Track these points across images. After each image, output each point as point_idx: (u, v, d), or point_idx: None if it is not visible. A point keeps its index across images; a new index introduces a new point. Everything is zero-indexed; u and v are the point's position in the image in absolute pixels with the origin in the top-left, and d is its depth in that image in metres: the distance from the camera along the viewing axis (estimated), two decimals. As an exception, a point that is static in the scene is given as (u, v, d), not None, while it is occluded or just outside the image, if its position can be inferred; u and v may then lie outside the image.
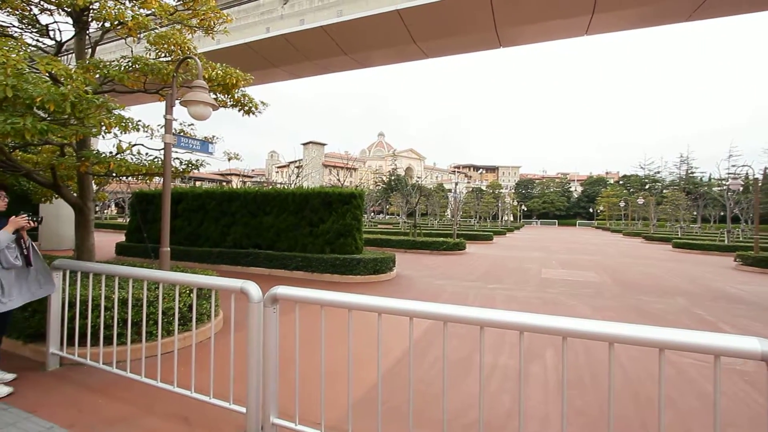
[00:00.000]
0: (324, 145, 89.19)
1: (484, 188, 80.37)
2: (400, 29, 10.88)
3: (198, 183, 48.95)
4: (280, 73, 14.71)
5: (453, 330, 5.02)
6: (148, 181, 6.43)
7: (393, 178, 57.59)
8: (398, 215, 39.25)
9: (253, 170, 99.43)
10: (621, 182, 77.52)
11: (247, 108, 6.32)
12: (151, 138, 6.22)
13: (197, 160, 6.04)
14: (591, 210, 78.37)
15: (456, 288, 8.60)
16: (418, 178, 29.48)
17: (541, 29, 10.65)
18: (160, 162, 5.69)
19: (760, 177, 48.18)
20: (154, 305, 3.98)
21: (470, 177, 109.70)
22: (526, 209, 73.80)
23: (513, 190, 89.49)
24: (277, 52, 13.01)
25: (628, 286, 9.47)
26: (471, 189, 72.74)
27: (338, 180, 22.65)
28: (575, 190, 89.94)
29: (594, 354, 4.40)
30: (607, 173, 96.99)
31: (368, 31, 11.24)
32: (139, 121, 5.23)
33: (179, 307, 4.25)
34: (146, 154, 5.62)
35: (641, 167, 72.69)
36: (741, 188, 24.71)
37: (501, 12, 9.75)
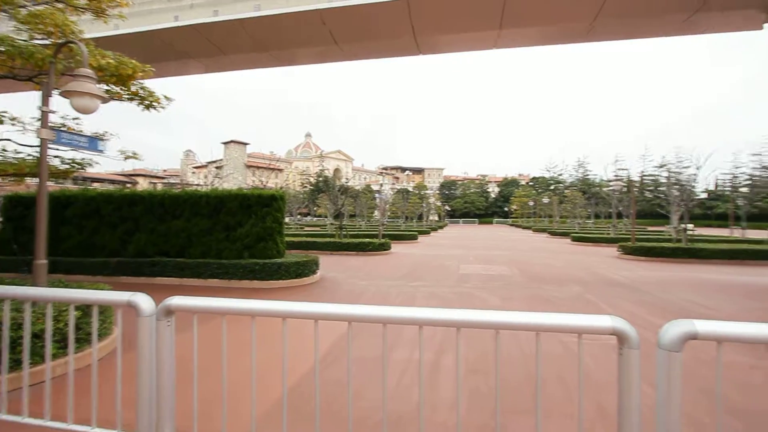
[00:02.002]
0: (247, 144, 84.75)
1: (410, 189, 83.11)
2: (322, 30, 10.79)
3: (95, 185, 43.26)
4: (193, 66, 13.65)
5: (371, 329, 5.11)
6: (20, 182, 5.51)
7: (320, 179, 56.81)
8: (326, 217, 38.86)
9: (164, 171, 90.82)
10: (531, 183, 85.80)
11: (147, 102, 5.74)
12: (24, 132, 5.33)
13: (83, 159, 5.32)
14: (506, 209, 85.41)
15: (379, 287, 8.75)
16: (346, 179, 29.49)
17: (456, 40, 11.34)
18: (35, 160, 4.90)
19: (637, 179, 56.93)
20: (26, 328, 3.40)
21: (397, 178, 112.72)
22: (449, 209, 77.98)
23: (437, 191, 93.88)
24: (189, 44, 12.05)
25: (533, 277, 10.49)
26: (398, 190, 74.71)
27: (261, 181, 21.69)
28: (493, 191, 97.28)
29: (498, 340, 4.79)
30: (519, 175, 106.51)
31: (289, 28, 10.95)
32: (5, 112, 4.45)
33: (59, 328, 3.70)
34: (14, 150, 4.80)
35: (547, 170, 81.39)
36: (624, 188, 28.93)
37: (418, 21, 10.17)
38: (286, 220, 27.74)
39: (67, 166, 5.19)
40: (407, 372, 4.05)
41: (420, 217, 51.43)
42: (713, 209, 52.19)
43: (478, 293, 8.18)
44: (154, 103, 5.75)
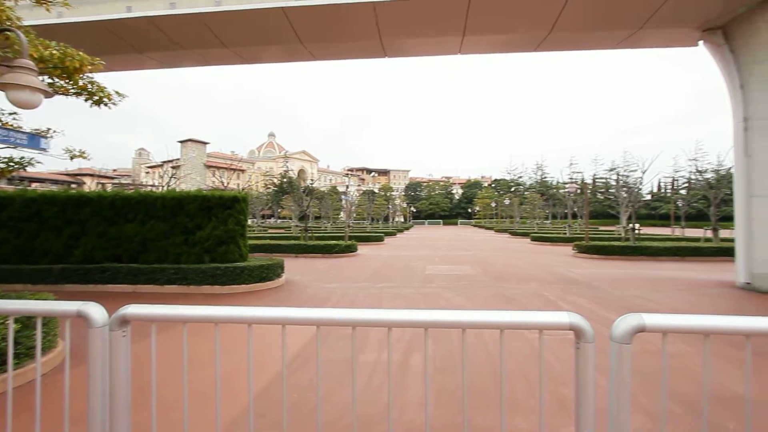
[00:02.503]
0: (206, 144, 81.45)
1: (376, 191, 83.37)
2: (287, 28, 10.59)
3: (35, 185, 39.91)
4: (148, 61, 12.93)
5: (338, 332, 5.08)
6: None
7: (284, 180, 55.68)
8: (290, 219, 38.11)
9: (114, 170, 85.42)
10: (493, 185, 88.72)
11: (96, 98, 5.38)
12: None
13: (23, 158, 4.90)
14: (470, 210, 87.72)
15: (346, 290, 8.70)
16: (311, 180, 29.08)
17: (421, 44, 11.53)
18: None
19: (590, 182, 60.49)
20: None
21: (363, 180, 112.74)
22: (415, 210, 78.99)
23: (403, 193, 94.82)
24: (143, 37, 11.40)
25: (495, 276, 10.85)
26: (364, 191, 74.70)
27: (221, 182, 20.94)
28: (457, 193, 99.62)
29: (464, 339, 4.91)
30: (482, 177, 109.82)
31: (252, 25, 10.65)
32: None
33: (-6, 342, 3.38)
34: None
35: (508, 173, 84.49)
36: (578, 190, 30.60)
37: (384, 24, 10.24)
38: (249, 222, 26.96)
39: (3, 165, 4.75)
40: (376, 373, 4.06)
41: (386, 219, 51.75)
42: (657, 210, 56.39)
43: (444, 293, 8.35)
44: (104, 99, 5.40)
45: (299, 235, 19.22)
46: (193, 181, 57.40)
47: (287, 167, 71.13)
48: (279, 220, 58.24)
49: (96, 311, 2.32)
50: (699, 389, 3.63)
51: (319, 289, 8.90)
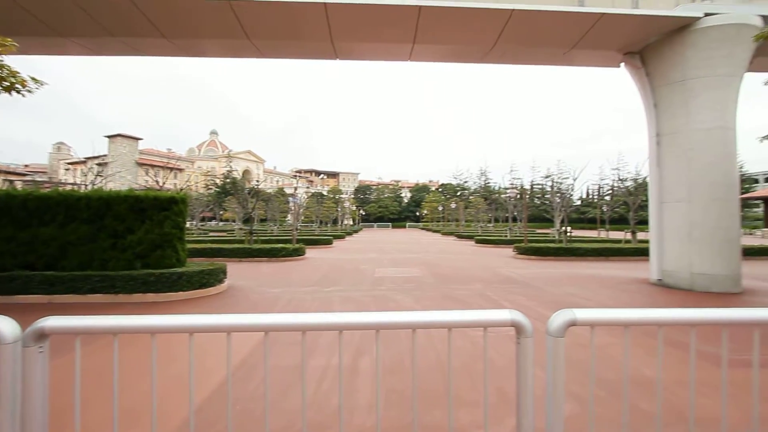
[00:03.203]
0: (139, 139, 75.27)
1: (325, 193, 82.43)
2: (232, 22, 10.14)
3: (-75, 181, 34.33)
4: (71, 46, 11.66)
5: (286, 337, 4.94)
6: None
7: (228, 181, 53.10)
8: (233, 222, 36.37)
9: (26, 166, 76.01)
10: (440, 190, 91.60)
11: (6, 84, 4.76)
12: None
13: None
14: (418, 213, 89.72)
15: (293, 294, 8.49)
16: (257, 181, 27.95)
17: (373, 48, 11.62)
18: None
19: (528, 188, 64.84)
20: None
21: (312, 182, 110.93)
22: (364, 213, 79.19)
23: (352, 196, 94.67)
24: (62, 18, 10.28)
25: (442, 277, 11.20)
26: (312, 194, 73.55)
27: (156, 182, 19.49)
28: (405, 196, 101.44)
29: (414, 339, 5.01)
30: (430, 181, 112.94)
31: (193, 15, 10.05)
32: None
33: None
34: None
35: (455, 177, 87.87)
36: (518, 195, 32.57)
37: (336, 26, 10.19)
38: (188, 225, 25.40)
39: None
40: (326, 378, 4.00)
41: (335, 222, 51.33)
42: (586, 214, 61.67)
43: (393, 295, 8.45)
44: (17, 85, 4.79)
45: (243, 238, 18.41)
46: (123, 180, 52.72)
47: (231, 167, 67.89)
48: (221, 223, 55.30)
49: (5, 325, 2.05)
50: (620, 375, 4.03)
51: (265, 294, 8.59)
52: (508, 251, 20.18)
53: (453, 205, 52.11)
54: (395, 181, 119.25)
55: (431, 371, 4.11)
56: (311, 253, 18.80)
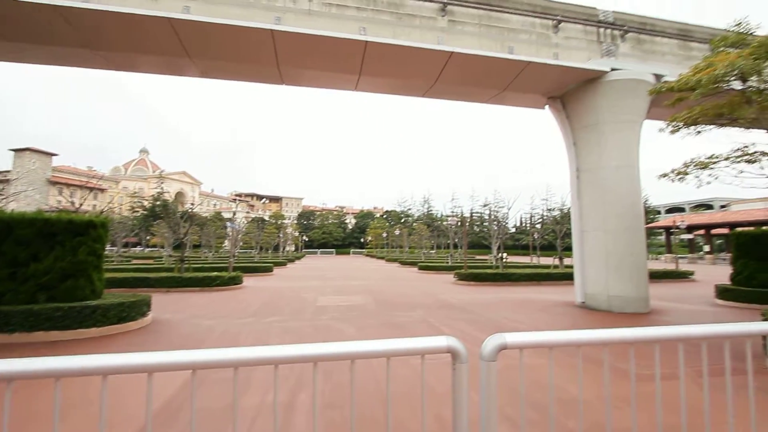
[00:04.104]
0: (53, 155, 67.61)
1: (266, 218, 79.68)
2: (173, 40, 9.76)
3: None
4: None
5: (216, 375, 4.56)
6: None
7: (158, 203, 49.32)
8: (162, 248, 33.57)
9: None
10: (385, 216, 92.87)
11: None
12: None
13: None
14: (362, 240, 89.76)
15: (228, 327, 7.93)
16: (192, 204, 26.26)
17: (319, 76, 11.78)
18: None
19: (468, 216, 68.16)
20: None
21: (253, 206, 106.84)
22: (307, 239, 77.43)
23: (295, 221, 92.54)
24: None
25: (385, 305, 11.19)
26: (252, 219, 70.66)
27: (71, 203, 17.48)
28: (350, 223, 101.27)
29: (353, 370, 4.88)
30: (375, 208, 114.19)
31: (126, 29, 9.52)
32: None
33: None
34: None
35: (399, 205, 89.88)
36: (458, 223, 34.03)
37: (283, 52, 10.23)
38: (106, 251, 23.16)
39: None
40: (259, 417, 3.74)
41: (276, 248, 49.52)
42: (520, 241, 65.91)
43: (336, 324, 8.25)
44: None
45: (173, 266, 17.01)
46: (30, 200, 46.65)
47: (162, 188, 63.17)
48: (147, 249, 50.68)
49: None
50: (551, 395, 4.25)
51: (195, 327, 7.92)
52: (450, 277, 20.79)
53: (397, 232, 52.97)
54: (340, 207, 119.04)
55: (372, 401, 4.02)
56: (250, 281, 17.85)
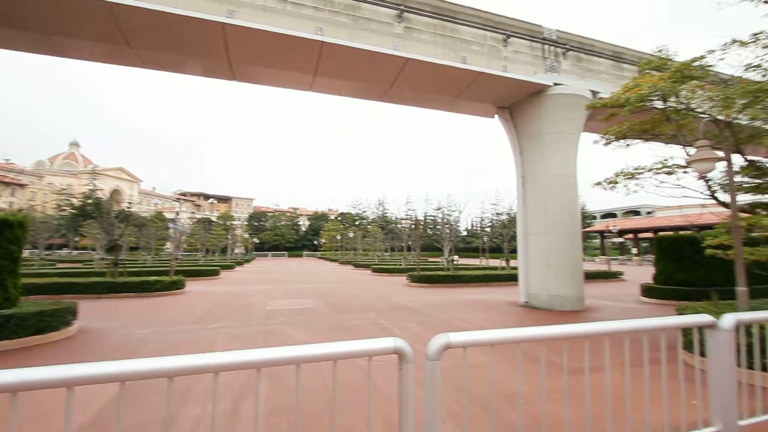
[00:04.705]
0: (-37, 146, 59.58)
1: (214, 219, 75.92)
2: (110, 24, 8.99)
3: None
4: None
5: (154, 386, 4.25)
6: None
7: (90, 201, 45.23)
8: (94, 250, 30.75)
9: None
10: (339, 218, 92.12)
11: None
12: None
13: None
14: (316, 242, 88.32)
15: (167, 335, 7.42)
16: (129, 203, 24.24)
17: (273, 75, 11.44)
18: None
19: (422, 218, 69.57)
20: None
21: (199, 206, 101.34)
22: (258, 241, 74.77)
23: (246, 222, 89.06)
24: None
25: (337, 308, 11.08)
26: (198, 219, 67.03)
27: (-16, 199, 15.50)
28: (303, 224, 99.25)
29: (299, 375, 4.77)
30: (329, 210, 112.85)
31: (58, 10, 8.64)
32: None
33: None
34: None
35: (353, 207, 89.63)
36: (412, 226, 34.60)
37: (234, 47, 9.81)
38: (26, 253, 20.98)
39: None
40: (199, 429, 3.53)
41: (224, 250, 47.32)
42: (471, 243, 68.36)
43: (286, 329, 8.02)
44: None
45: (106, 270, 15.62)
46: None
47: (95, 185, 57.91)
48: (75, 252, 46.18)
49: None
50: (494, 391, 4.43)
51: (128, 336, 7.32)
52: (403, 279, 21.05)
53: (351, 234, 52.76)
54: (293, 208, 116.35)
55: (321, 406, 3.95)
56: (194, 286, 16.87)
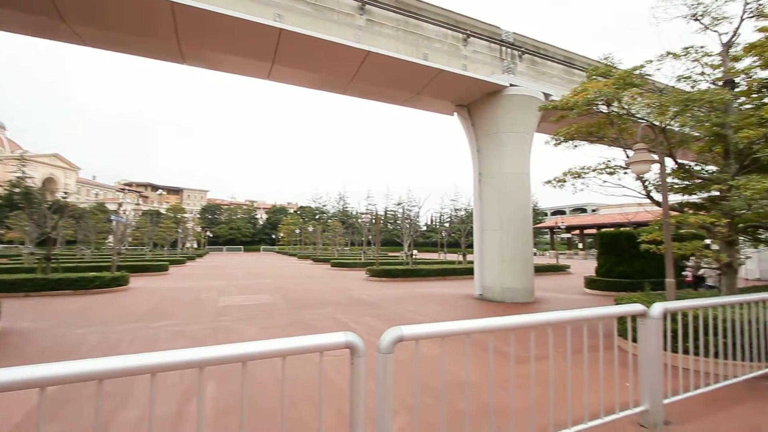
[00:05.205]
0: None
1: (163, 211, 71.67)
2: (40, -3, 8.09)
3: None
4: None
5: (87, 390, 3.92)
6: None
7: (18, 190, 41.04)
8: (23, 244, 27.90)
9: None
10: (299, 212, 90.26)
11: None
12: None
13: None
14: (274, 236, 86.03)
15: (106, 335, 6.89)
16: (65, 193, 22.11)
17: (227, 60, 10.88)
18: None
19: (382, 214, 69.89)
20: None
21: (147, 198, 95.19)
22: (211, 235, 71.58)
23: (198, 215, 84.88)
24: None
25: (294, 303, 10.86)
26: (145, 211, 63.04)
27: None
28: (261, 218, 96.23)
29: (254, 374, 4.62)
30: (288, 204, 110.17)
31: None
32: None
33: None
34: None
35: (314, 201, 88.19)
36: (372, 220, 34.63)
37: (184, 28, 9.21)
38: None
39: None
40: (138, 435, 3.30)
41: (174, 245, 44.84)
42: (430, 238, 69.64)
43: (238, 326, 7.73)
44: None
45: (36, 265, 14.24)
46: None
47: (24, 172, 52.47)
48: (1, 245, 41.71)
49: None
50: (446, 381, 4.54)
51: (61, 337, 6.71)
52: (362, 274, 21.05)
53: (311, 229, 51.90)
54: (250, 201, 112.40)
55: (273, 403, 3.85)
56: (139, 282, 15.84)
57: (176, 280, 17.28)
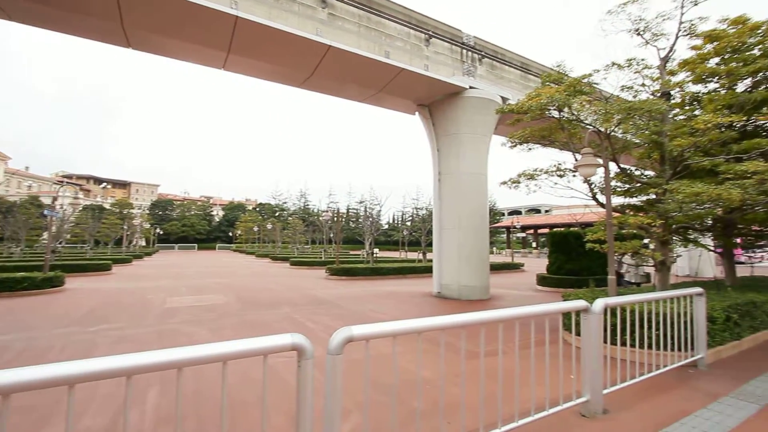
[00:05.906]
0: None
1: (108, 206, 66.81)
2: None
3: None
4: None
5: (15, 403, 3.52)
6: None
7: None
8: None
9: None
10: (257, 209, 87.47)
11: None
12: None
13: None
14: (231, 234, 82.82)
15: (32, 342, 6.25)
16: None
17: (178, 46, 10.25)
18: None
19: (344, 212, 69.44)
20: None
21: (89, 191, 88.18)
22: (162, 233, 67.63)
23: (147, 211, 79.94)
24: None
25: (249, 303, 10.47)
26: (86, 206, 58.45)
27: None
28: (217, 215, 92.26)
29: (204, 379, 4.37)
30: (246, 200, 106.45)
31: None
32: None
33: None
34: None
35: (273, 197, 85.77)
36: (334, 218, 34.25)
37: (129, 8, 8.55)
38: None
39: None
40: (63, 450, 3.00)
41: (119, 242, 41.91)
42: (392, 237, 70.12)
43: (186, 329, 7.32)
44: None
45: (-45, 264, 12.69)
46: None
47: (-57, 162, 46.71)
48: None
49: None
50: (400, 378, 4.55)
51: (-20, 343, 6.01)
52: (322, 272, 20.75)
53: (270, 226, 50.46)
54: (206, 197, 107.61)
55: (217, 409, 3.64)
56: (77, 282, 14.61)
57: (120, 280, 16.12)
